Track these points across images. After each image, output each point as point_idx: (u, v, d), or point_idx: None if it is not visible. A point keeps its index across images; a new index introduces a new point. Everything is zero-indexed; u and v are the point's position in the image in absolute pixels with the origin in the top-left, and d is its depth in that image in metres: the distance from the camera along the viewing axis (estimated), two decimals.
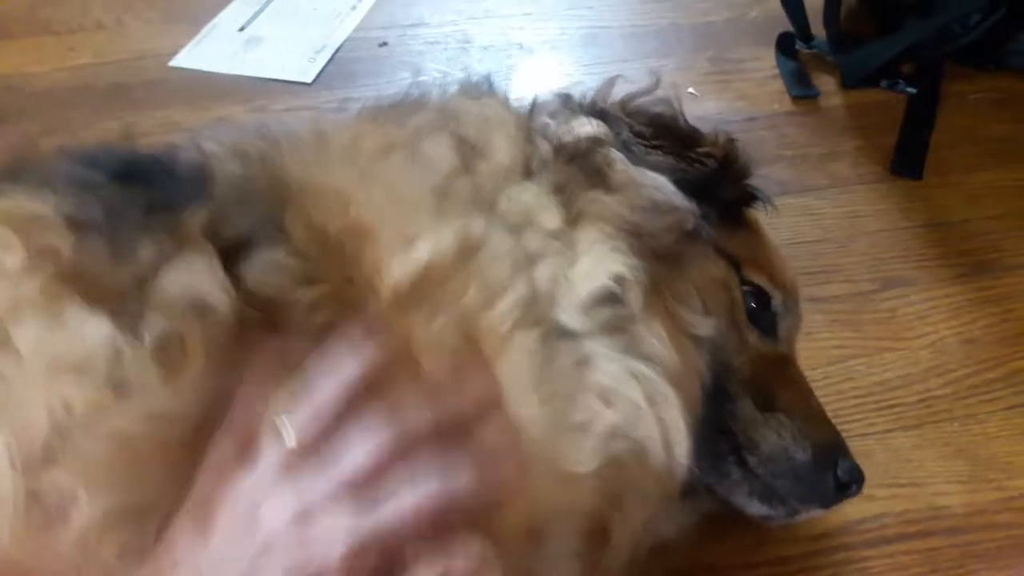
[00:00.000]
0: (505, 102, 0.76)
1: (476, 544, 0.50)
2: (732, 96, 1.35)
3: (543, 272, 0.62)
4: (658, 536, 0.69)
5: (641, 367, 0.62)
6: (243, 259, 0.54)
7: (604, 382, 0.61)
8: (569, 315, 0.61)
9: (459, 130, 0.69)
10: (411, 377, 0.53)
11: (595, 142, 0.71)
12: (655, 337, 0.64)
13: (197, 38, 1.45)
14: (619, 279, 0.63)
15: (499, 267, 0.60)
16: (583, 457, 0.58)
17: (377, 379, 0.51)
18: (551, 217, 0.65)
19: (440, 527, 0.49)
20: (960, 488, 0.83)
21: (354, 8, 1.52)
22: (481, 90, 0.77)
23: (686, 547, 0.76)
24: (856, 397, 0.91)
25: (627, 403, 0.61)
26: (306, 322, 0.54)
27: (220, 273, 0.52)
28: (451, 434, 0.52)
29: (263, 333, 0.53)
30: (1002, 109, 1.32)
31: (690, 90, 1.34)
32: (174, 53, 1.41)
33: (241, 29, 1.47)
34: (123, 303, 0.51)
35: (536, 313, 0.59)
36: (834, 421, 0.86)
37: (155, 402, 0.49)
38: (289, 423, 0.49)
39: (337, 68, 1.39)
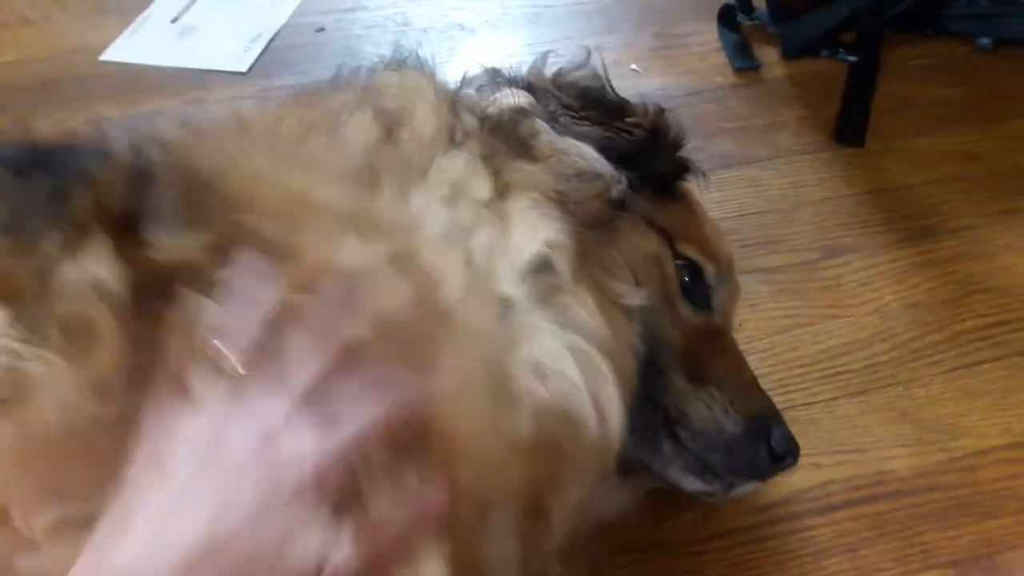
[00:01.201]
0: (427, 73, 0.74)
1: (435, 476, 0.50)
2: (676, 71, 1.34)
3: (479, 243, 0.61)
4: (599, 515, 0.68)
5: (576, 340, 0.61)
6: (151, 231, 0.53)
7: (539, 356, 0.60)
8: (507, 284, 0.61)
9: (379, 103, 0.67)
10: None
11: (519, 113, 0.70)
12: (585, 308, 0.63)
13: (129, 30, 1.41)
14: (552, 245, 0.63)
15: (437, 242, 0.59)
16: (517, 433, 0.57)
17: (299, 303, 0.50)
18: (481, 187, 0.64)
19: (400, 444, 0.48)
20: (905, 452, 0.83)
21: None
22: (403, 64, 0.75)
23: (633, 525, 0.76)
24: (802, 366, 0.91)
25: (561, 378, 0.60)
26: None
27: (112, 253, 0.51)
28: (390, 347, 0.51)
29: (173, 296, 0.51)
30: (942, 74, 1.32)
31: (633, 67, 1.34)
32: (105, 47, 1.37)
33: (174, 20, 1.44)
34: (27, 298, 0.49)
35: (477, 284, 0.59)
36: (780, 391, 0.87)
37: (66, 393, 0.48)
38: (232, 354, 0.48)
39: (274, 56, 1.36)
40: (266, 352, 0.49)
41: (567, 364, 0.60)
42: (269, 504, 0.45)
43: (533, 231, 0.63)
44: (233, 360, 0.48)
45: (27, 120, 1.21)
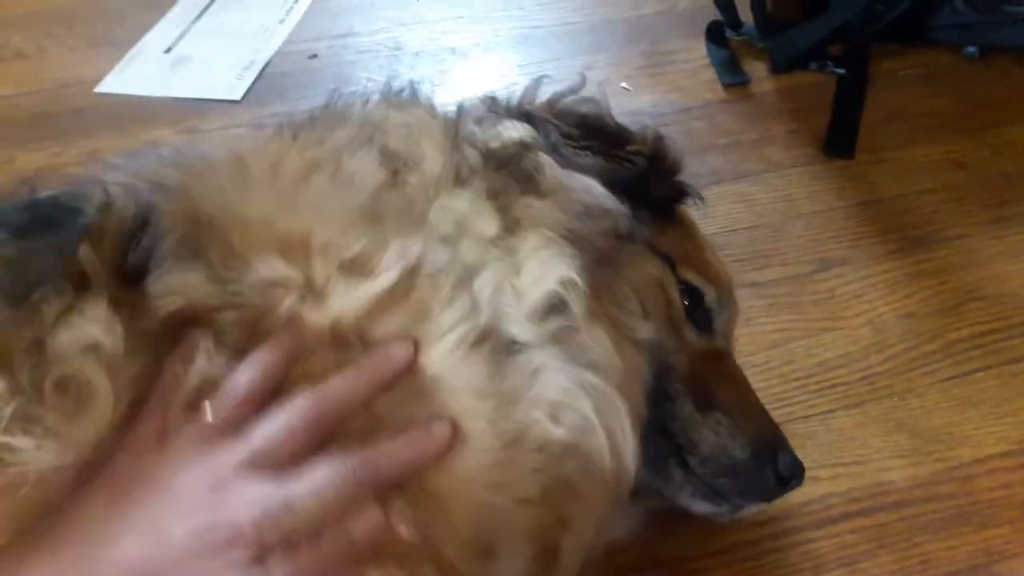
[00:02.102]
0: (430, 109, 0.74)
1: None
2: (665, 88, 1.35)
3: (486, 283, 0.61)
4: (607, 541, 0.68)
5: (589, 377, 0.61)
6: (152, 280, 0.55)
7: (552, 396, 0.59)
8: (518, 326, 0.60)
9: (384, 142, 0.67)
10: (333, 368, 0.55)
11: (523, 147, 0.70)
12: (599, 345, 0.63)
13: (123, 62, 1.42)
14: (566, 284, 0.62)
15: (440, 283, 0.59)
16: (530, 477, 0.58)
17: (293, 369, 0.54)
18: (489, 224, 0.64)
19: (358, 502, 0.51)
20: (903, 462, 0.84)
21: (282, 22, 1.50)
22: (404, 97, 0.75)
23: (635, 544, 0.76)
24: (797, 379, 0.91)
25: (576, 417, 0.60)
26: (223, 337, 0.55)
27: (108, 311, 0.52)
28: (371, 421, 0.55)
29: (175, 341, 0.54)
30: (930, 84, 1.33)
31: (623, 85, 1.35)
32: (99, 79, 1.38)
33: (167, 50, 1.45)
34: (23, 362, 0.51)
35: (482, 328, 0.58)
36: (776, 405, 0.87)
37: (57, 452, 0.50)
38: (209, 405, 0.52)
39: (267, 83, 1.37)
40: (243, 412, 0.52)
41: (581, 402, 0.60)
42: (203, 548, 0.48)
43: (547, 269, 0.62)
44: (208, 410, 0.52)
45: (16, 154, 1.22)
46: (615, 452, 0.62)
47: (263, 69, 1.40)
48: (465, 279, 0.60)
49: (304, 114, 0.73)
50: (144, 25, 1.51)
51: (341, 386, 0.54)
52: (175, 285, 0.54)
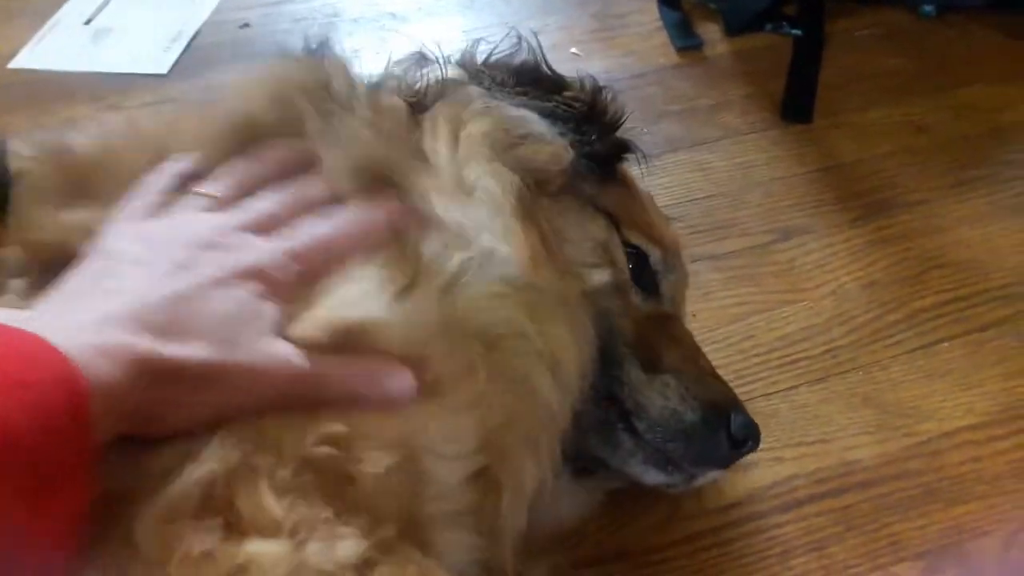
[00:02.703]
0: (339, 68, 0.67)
1: None
2: (618, 53, 1.30)
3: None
4: (557, 516, 0.66)
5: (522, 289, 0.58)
6: None
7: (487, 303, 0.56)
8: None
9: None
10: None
11: (453, 83, 0.66)
12: (536, 259, 0.59)
13: (39, 35, 1.32)
14: (511, 187, 0.60)
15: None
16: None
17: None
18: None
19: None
20: (869, 439, 0.80)
21: None
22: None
23: (592, 534, 0.72)
24: (759, 355, 0.88)
25: (514, 338, 0.56)
26: None
27: None
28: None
29: None
30: (888, 44, 1.30)
31: (573, 50, 1.29)
32: (14, 54, 1.29)
33: (87, 22, 1.36)
34: None
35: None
36: (738, 382, 0.84)
37: None
38: (206, 187, 0.56)
39: (196, 55, 1.29)
40: (241, 192, 0.56)
41: (519, 321, 0.56)
42: (217, 278, 0.49)
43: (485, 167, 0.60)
44: (209, 191, 0.55)
45: None
46: (554, 367, 0.57)
47: (191, 40, 1.31)
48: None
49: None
50: None
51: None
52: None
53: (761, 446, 0.70)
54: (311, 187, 0.57)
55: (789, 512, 0.75)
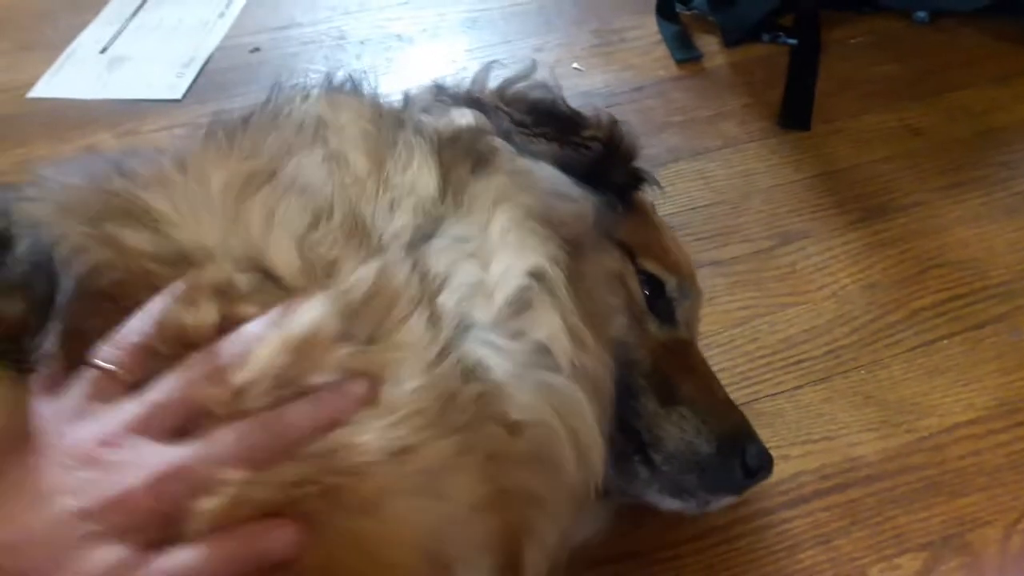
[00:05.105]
0: (372, 102, 0.69)
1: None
2: (618, 67, 1.33)
3: (453, 290, 0.57)
4: (574, 540, 0.66)
5: (553, 378, 0.58)
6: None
7: (511, 405, 0.56)
8: (482, 336, 0.56)
9: (328, 144, 0.62)
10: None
11: (476, 132, 0.67)
12: (570, 340, 0.59)
13: (56, 65, 1.36)
14: (538, 274, 0.59)
15: (400, 295, 0.55)
16: (479, 485, 0.54)
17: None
18: (430, 185, 0.61)
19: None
20: (872, 436, 0.83)
21: (222, 16, 1.45)
22: (345, 91, 0.71)
23: (605, 537, 0.74)
24: (763, 357, 0.90)
25: (537, 425, 0.57)
26: None
27: None
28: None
29: None
30: (882, 51, 1.33)
31: (575, 66, 1.32)
32: (32, 84, 1.33)
33: (103, 51, 1.40)
34: None
35: (443, 345, 0.54)
36: (743, 384, 0.86)
37: None
38: (102, 357, 0.49)
39: (208, 80, 1.33)
40: (136, 364, 0.49)
41: (542, 410, 0.57)
42: (86, 509, 0.44)
43: (516, 257, 0.58)
44: (101, 359, 0.49)
45: None
46: (581, 456, 0.59)
47: (204, 66, 1.35)
48: (428, 287, 0.55)
49: (238, 114, 0.67)
50: (77, 25, 1.45)
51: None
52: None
53: (768, 445, 0.72)
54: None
55: (796, 508, 0.78)
